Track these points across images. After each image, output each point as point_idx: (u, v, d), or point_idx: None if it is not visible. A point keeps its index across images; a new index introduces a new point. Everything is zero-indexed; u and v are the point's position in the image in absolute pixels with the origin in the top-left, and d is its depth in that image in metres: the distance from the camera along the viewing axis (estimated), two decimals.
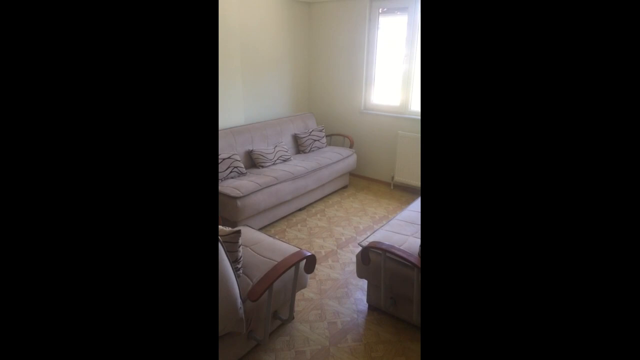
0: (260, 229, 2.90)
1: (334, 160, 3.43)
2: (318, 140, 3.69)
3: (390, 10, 3.54)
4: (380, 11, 3.58)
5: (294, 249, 1.79)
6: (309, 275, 2.03)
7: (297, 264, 1.62)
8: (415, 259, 1.69)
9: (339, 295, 2.18)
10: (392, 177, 3.73)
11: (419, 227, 2.07)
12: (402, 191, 3.67)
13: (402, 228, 2.08)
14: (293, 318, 1.84)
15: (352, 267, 2.43)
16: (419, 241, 1.83)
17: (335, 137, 3.98)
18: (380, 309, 2.00)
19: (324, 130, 3.79)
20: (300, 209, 3.26)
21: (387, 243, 1.82)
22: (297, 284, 1.77)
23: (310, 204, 3.38)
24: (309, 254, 1.69)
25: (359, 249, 2.65)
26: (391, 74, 3.68)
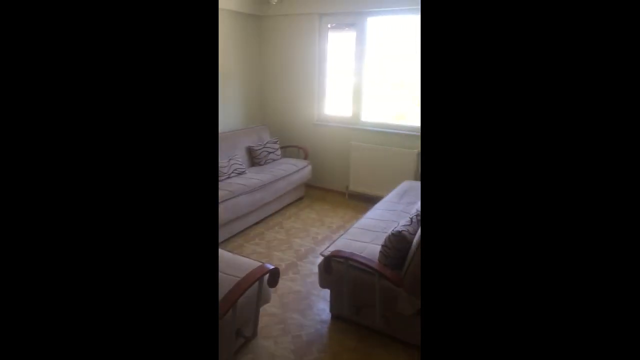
0: None
1: (290, 171, 3.44)
2: (272, 152, 3.68)
3: (338, 26, 3.67)
4: (329, 26, 3.69)
5: (255, 263, 1.76)
6: (272, 290, 2.00)
7: (260, 278, 1.59)
8: (377, 265, 1.73)
9: (302, 307, 2.16)
10: (347, 187, 3.81)
11: (377, 234, 2.13)
12: (357, 200, 3.75)
13: (361, 236, 2.13)
14: (256, 335, 1.79)
15: (314, 279, 2.43)
16: (378, 247, 1.88)
17: (289, 149, 3.99)
18: (343, 317, 2.02)
19: (278, 142, 3.79)
20: (257, 223, 3.21)
21: (348, 251, 1.85)
22: (261, 299, 1.73)
23: (267, 217, 3.34)
24: (272, 267, 1.67)
25: (319, 259, 2.65)
26: (342, 86, 3.79)
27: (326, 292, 2.22)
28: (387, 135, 3.54)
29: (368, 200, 3.60)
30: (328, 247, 2.00)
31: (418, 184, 3.07)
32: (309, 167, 3.71)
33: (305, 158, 3.83)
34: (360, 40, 3.51)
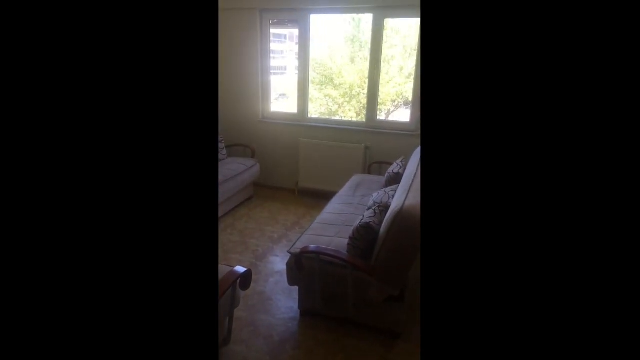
0: None
1: (239, 171, 3.34)
2: (218, 152, 3.54)
3: (281, 22, 3.64)
4: (271, 22, 3.65)
5: (225, 268, 1.69)
6: (242, 293, 1.94)
7: (234, 283, 1.54)
8: (348, 257, 1.78)
9: (269, 307, 2.13)
10: (297, 184, 3.82)
11: (340, 228, 2.18)
12: (307, 196, 3.78)
13: (325, 231, 2.16)
14: (229, 341, 1.73)
15: (277, 278, 2.41)
16: (344, 240, 1.93)
17: (235, 148, 3.87)
18: (312, 312, 2.04)
19: (223, 142, 3.66)
20: None
21: (315, 246, 1.87)
22: (234, 304, 1.68)
23: (219, 219, 3.21)
24: (244, 270, 1.62)
25: (280, 258, 2.64)
26: (287, 82, 3.78)
27: (291, 290, 2.22)
28: (334, 131, 3.62)
29: (319, 196, 3.65)
30: (294, 244, 2.00)
31: (368, 177, 3.19)
32: (257, 166, 3.65)
33: (253, 157, 3.76)
34: (303, 37, 3.52)
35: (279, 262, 2.59)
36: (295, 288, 2.08)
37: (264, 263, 2.60)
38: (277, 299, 2.20)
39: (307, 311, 2.05)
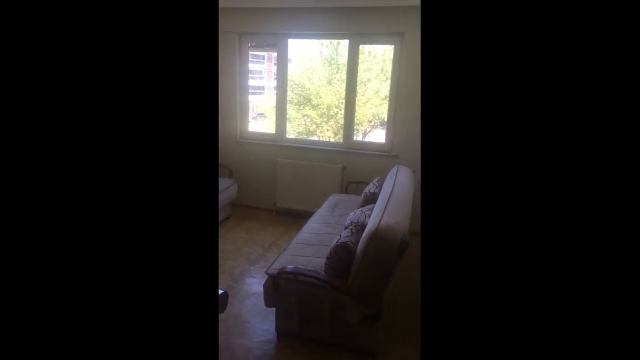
0: None
1: None
2: None
3: (259, 45, 3.71)
4: (249, 45, 3.72)
5: None
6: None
7: None
8: (325, 277, 1.78)
9: (245, 330, 2.09)
10: (274, 204, 3.81)
11: (317, 248, 2.19)
12: (285, 216, 3.77)
13: (302, 251, 2.16)
14: None
15: (253, 300, 2.37)
16: (321, 260, 1.94)
17: None
18: (289, 334, 2.01)
19: None
20: None
21: (293, 266, 1.87)
22: None
23: None
24: (221, 292, 1.60)
25: (256, 279, 2.61)
26: (262, 103, 3.82)
27: (268, 312, 2.19)
28: (312, 152, 3.66)
29: (297, 216, 3.65)
30: (272, 265, 1.99)
31: (345, 196, 3.23)
32: (235, 186, 3.63)
33: (230, 176, 3.74)
34: (282, 60, 3.60)
35: (256, 284, 2.56)
36: (272, 310, 2.06)
37: (240, 284, 2.56)
38: (253, 322, 2.16)
39: (284, 333, 2.02)
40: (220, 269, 2.74)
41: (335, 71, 4.41)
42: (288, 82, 3.68)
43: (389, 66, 3.50)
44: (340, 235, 1.94)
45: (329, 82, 4.48)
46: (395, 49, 3.30)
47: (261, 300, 2.08)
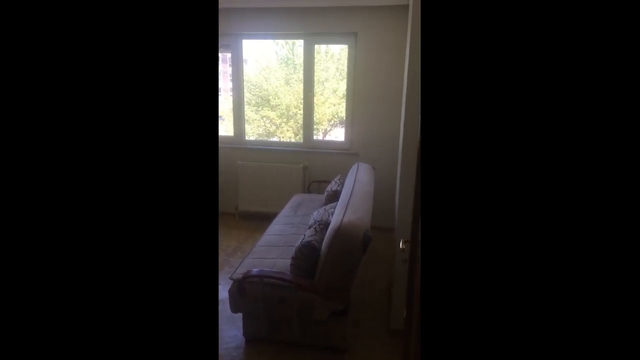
0: None
1: None
2: None
3: None
4: None
5: None
6: None
7: None
8: (291, 277, 1.78)
9: None
10: (237, 207, 3.74)
11: (282, 249, 2.17)
12: (248, 219, 3.72)
13: (267, 253, 2.14)
14: None
15: (219, 307, 2.31)
16: (287, 261, 1.93)
17: None
18: (257, 338, 1.99)
19: None
20: None
21: (258, 269, 1.84)
22: None
23: None
24: None
25: (221, 286, 2.54)
26: (222, 104, 3.74)
27: (235, 317, 2.14)
28: (272, 153, 3.64)
29: (260, 218, 3.61)
30: (236, 269, 1.95)
31: (308, 196, 3.24)
32: None
33: None
34: (236, 61, 3.54)
35: (221, 290, 2.49)
36: (239, 315, 2.02)
37: None
38: (220, 329, 2.11)
39: (252, 337, 1.99)
40: None
41: (292, 71, 4.40)
42: (246, 83, 3.63)
43: (344, 65, 3.55)
44: (305, 235, 1.94)
45: (287, 82, 4.47)
46: (349, 49, 3.35)
47: (227, 306, 2.03)
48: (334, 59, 4.22)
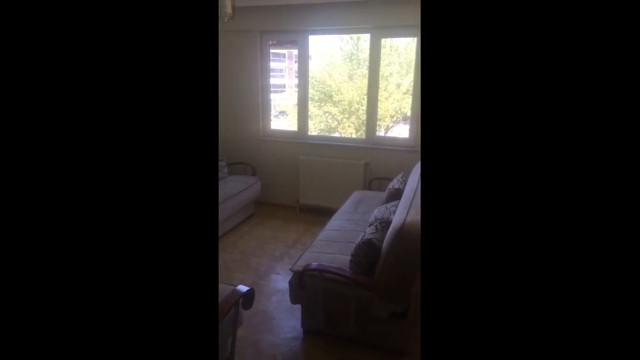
0: None
1: (240, 189, 3.36)
2: (219, 170, 3.56)
3: (280, 43, 3.72)
4: (270, 43, 3.73)
5: (227, 287, 1.68)
6: (243, 312, 1.92)
7: (237, 302, 1.53)
8: (351, 274, 1.77)
9: (271, 326, 2.11)
10: (297, 201, 3.83)
11: (342, 245, 2.18)
12: (308, 213, 3.78)
13: (327, 248, 2.16)
14: None
15: (279, 296, 2.39)
16: (346, 257, 1.93)
17: (236, 166, 3.90)
18: (316, 331, 2.02)
19: (225, 160, 3.69)
20: None
21: (317, 263, 1.86)
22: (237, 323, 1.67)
23: (220, 238, 3.21)
24: (247, 289, 1.62)
25: (281, 276, 2.63)
26: (284, 101, 3.83)
27: (294, 308, 2.20)
28: (334, 148, 3.65)
29: (319, 213, 3.65)
30: (296, 262, 2.00)
31: (369, 193, 3.20)
32: (258, 184, 3.67)
33: (254, 174, 3.78)
34: (302, 57, 3.60)
35: (281, 280, 2.58)
36: (298, 306, 2.06)
37: (266, 281, 2.58)
38: (280, 318, 2.18)
39: (311, 330, 2.03)
40: (245, 266, 2.77)
41: (356, 66, 4.37)
42: (310, 79, 3.68)
43: (411, 58, 3.43)
44: (365, 232, 1.92)
45: (350, 77, 4.44)
46: (418, 41, 3.23)
47: (287, 297, 2.09)
48: (397, 53, 4.11)
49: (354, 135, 4.25)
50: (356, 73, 4.38)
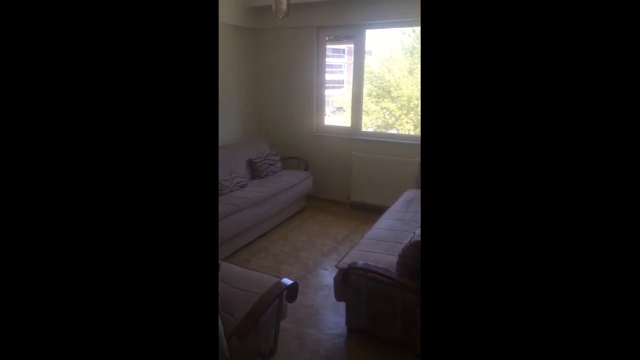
0: (222, 260, 2.75)
1: (292, 183, 3.42)
2: (273, 164, 3.65)
3: (336, 38, 3.70)
4: (327, 39, 3.73)
5: (272, 279, 1.72)
6: (288, 305, 1.96)
7: (281, 294, 1.56)
8: (397, 276, 1.71)
9: (316, 321, 2.12)
10: (349, 197, 3.80)
11: (390, 245, 2.12)
12: (359, 210, 3.74)
13: (374, 247, 2.11)
14: (274, 352, 1.75)
15: (325, 292, 2.40)
16: (393, 258, 1.87)
17: (289, 161, 3.98)
18: (359, 330, 1.99)
19: (278, 154, 3.78)
20: (261, 236, 3.17)
21: (363, 262, 1.83)
22: (281, 315, 1.70)
23: (271, 230, 3.30)
24: (291, 282, 1.64)
25: (328, 272, 2.63)
26: (342, 97, 3.81)
27: (339, 305, 2.19)
28: (388, 145, 3.56)
29: (370, 210, 3.59)
30: (342, 259, 1.98)
31: None
32: (311, 179, 3.70)
33: (306, 169, 3.82)
34: (358, 52, 3.54)
35: (328, 276, 2.58)
36: (343, 303, 2.05)
37: (313, 276, 2.60)
38: (324, 314, 2.18)
39: (355, 328, 2.00)
40: (294, 259, 2.82)
41: (417, 61, 4.20)
42: (368, 74, 3.62)
43: None
44: (415, 234, 1.84)
45: (410, 72, 4.29)
46: None
47: (332, 293, 2.08)
48: None
49: (412, 132, 4.11)
50: (416, 67, 4.21)
